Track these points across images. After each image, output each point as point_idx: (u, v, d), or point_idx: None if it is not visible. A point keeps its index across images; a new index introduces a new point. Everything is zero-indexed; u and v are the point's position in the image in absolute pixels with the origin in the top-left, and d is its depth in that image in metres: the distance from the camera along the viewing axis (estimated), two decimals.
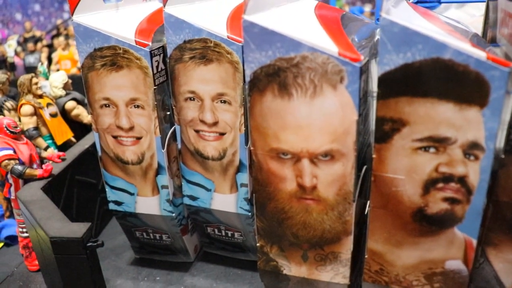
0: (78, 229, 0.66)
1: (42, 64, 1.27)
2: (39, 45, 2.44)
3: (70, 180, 0.90)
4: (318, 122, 0.52)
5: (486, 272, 0.58)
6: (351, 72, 0.49)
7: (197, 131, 0.72)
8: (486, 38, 0.76)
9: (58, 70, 1.35)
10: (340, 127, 0.52)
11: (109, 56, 0.70)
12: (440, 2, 0.82)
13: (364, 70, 0.51)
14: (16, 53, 2.57)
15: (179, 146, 0.75)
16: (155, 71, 0.70)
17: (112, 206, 0.81)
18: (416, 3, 0.82)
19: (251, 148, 0.57)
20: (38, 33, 2.86)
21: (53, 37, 2.73)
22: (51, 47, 2.45)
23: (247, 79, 0.54)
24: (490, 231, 0.56)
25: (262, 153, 0.57)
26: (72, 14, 0.69)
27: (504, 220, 0.54)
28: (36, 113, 0.97)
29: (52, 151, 0.96)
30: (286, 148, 0.55)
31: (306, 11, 0.64)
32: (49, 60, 2.26)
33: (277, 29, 0.50)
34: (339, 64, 0.49)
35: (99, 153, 0.78)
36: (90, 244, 0.65)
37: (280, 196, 0.58)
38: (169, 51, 0.69)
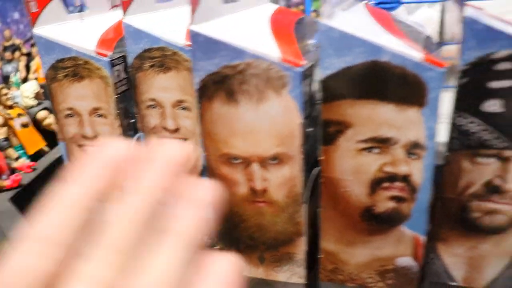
0: None
1: (19, 73, 1.28)
2: (17, 53, 2.44)
3: (40, 189, 0.90)
4: (265, 127, 0.54)
5: (437, 266, 0.59)
6: (293, 77, 0.51)
7: (160, 138, 0.74)
8: (443, 38, 0.78)
9: (36, 78, 1.36)
10: (285, 131, 0.53)
11: (70, 67, 0.71)
12: (399, 3, 0.83)
13: (307, 75, 0.52)
14: None
15: None
16: (116, 80, 0.71)
17: None
18: (378, 4, 0.83)
19: (204, 154, 0.58)
20: (17, 41, 2.85)
21: (32, 45, 2.73)
22: (29, 56, 2.45)
23: (196, 87, 0.55)
24: (439, 227, 0.57)
25: (214, 158, 0.58)
26: (33, 26, 0.71)
27: (451, 216, 0.56)
28: (6, 124, 0.99)
29: (23, 161, 0.97)
30: (236, 153, 0.56)
31: (261, 17, 0.66)
32: (28, 68, 2.26)
33: (222, 38, 0.52)
34: (281, 70, 0.51)
35: (66, 163, 0.79)
36: None
37: (234, 200, 0.59)
38: (129, 60, 0.71)
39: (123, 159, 0.19)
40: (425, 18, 1.07)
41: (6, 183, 0.84)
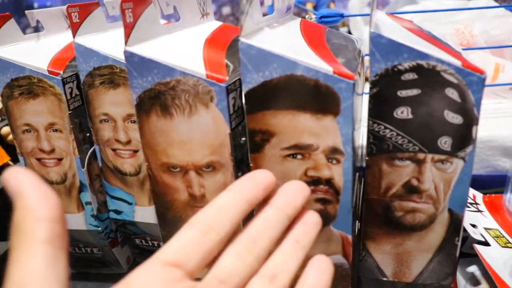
0: (1, 247, 0.71)
1: None
2: None
3: (2, 202, 0.94)
4: (198, 138, 0.58)
5: (369, 263, 0.63)
6: (218, 92, 0.55)
7: (114, 150, 0.77)
8: None
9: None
10: (216, 140, 0.57)
11: (25, 85, 0.75)
12: (342, 16, 0.88)
13: (232, 89, 0.57)
14: None
15: (100, 164, 0.80)
16: (68, 97, 0.75)
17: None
18: (320, 18, 0.88)
19: (146, 163, 0.62)
20: None
21: None
22: None
23: (134, 102, 0.59)
24: (367, 226, 0.62)
25: (155, 168, 0.62)
26: None
27: (377, 216, 0.60)
28: None
29: None
30: (174, 162, 0.60)
31: (198, 36, 0.70)
32: None
33: (154, 57, 0.56)
34: (207, 85, 0.55)
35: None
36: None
37: (176, 206, 0.63)
38: (82, 78, 0.75)
39: (268, 183, 0.28)
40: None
41: None
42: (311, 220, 0.30)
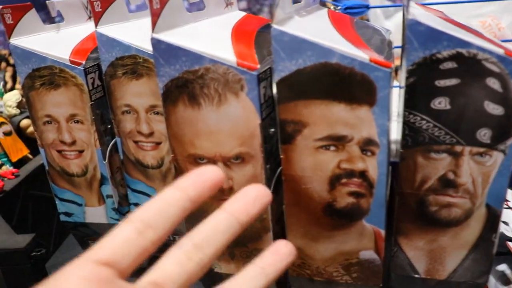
0: (22, 240, 0.70)
1: (6, 83, 1.31)
2: (3, 64, 2.47)
3: (24, 195, 0.93)
4: (226, 128, 0.56)
5: (401, 259, 0.61)
6: (249, 80, 0.53)
7: (135, 142, 0.76)
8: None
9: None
10: (246, 131, 0.55)
11: (46, 75, 0.73)
12: (368, 8, 0.86)
13: (263, 78, 0.55)
14: None
15: (121, 157, 0.79)
16: (90, 88, 0.74)
17: (63, 218, 0.84)
18: (345, 9, 0.85)
19: (172, 155, 0.60)
20: (3, 52, 2.87)
21: None
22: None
23: (161, 91, 0.57)
24: (400, 221, 0.59)
25: (181, 159, 0.60)
26: (9, 37, 0.73)
27: (410, 210, 0.58)
28: None
29: (6, 169, 1.00)
30: (201, 153, 0.58)
31: (223, 25, 0.68)
32: (14, 79, 2.29)
33: (182, 44, 0.54)
34: (238, 74, 0.53)
35: (46, 167, 0.81)
36: (34, 254, 0.69)
37: None
38: (104, 68, 0.73)
39: (215, 181, 0.26)
40: (400, 23, 1.10)
41: None
42: (283, 250, 0.29)
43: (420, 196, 0.57)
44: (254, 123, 0.55)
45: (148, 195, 0.80)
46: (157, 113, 0.73)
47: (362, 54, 0.50)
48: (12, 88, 1.23)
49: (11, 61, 2.30)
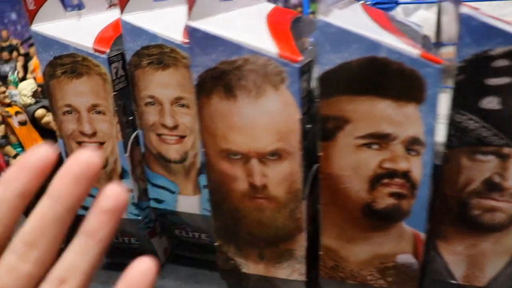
0: None
1: (18, 72, 1.28)
2: (14, 53, 2.45)
3: (40, 188, 0.90)
4: (263, 123, 0.53)
5: (438, 264, 0.59)
6: (291, 73, 0.50)
7: (158, 135, 0.73)
8: (440, 39, 0.78)
9: (34, 78, 1.36)
10: (284, 126, 0.53)
11: (68, 63, 0.71)
12: (397, 3, 0.83)
13: (304, 71, 0.52)
14: None
15: (143, 150, 0.76)
16: (114, 77, 0.71)
17: (80, 211, 0.81)
18: (375, 4, 0.83)
19: (202, 149, 0.58)
20: (15, 42, 2.86)
21: (30, 46, 2.74)
22: (27, 56, 2.46)
23: (194, 82, 0.55)
24: (439, 224, 0.57)
25: (213, 154, 0.58)
26: (31, 24, 0.70)
27: (451, 213, 0.55)
28: (4, 121, 0.98)
29: None
30: (235, 148, 0.56)
31: (257, 15, 0.66)
32: (25, 68, 2.27)
33: (219, 33, 0.52)
34: (279, 65, 0.50)
35: (64, 159, 0.79)
36: None
37: (234, 196, 0.59)
38: (128, 58, 0.70)
39: (43, 164, 0.23)
40: (422, 20, 1.07)
41: None
42: (108, 206, 0.25)
43: (462, 199, 0.54)
44: (293, 118, 0.52)
45: (169, 190, 0.77)
46: (183, 105, 0.70)
47: (411, 49, 0.47)
48: (24, 78, 1.20)
49: (22, 51, 2.27)
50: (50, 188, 0.24)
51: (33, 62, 2.27)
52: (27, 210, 0.24)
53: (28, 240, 0.22)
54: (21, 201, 0.23)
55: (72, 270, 0.23)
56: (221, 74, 0.53)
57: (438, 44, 0.73)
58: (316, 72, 0.51)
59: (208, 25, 0.53)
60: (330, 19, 0.48)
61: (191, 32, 0.52)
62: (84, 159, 0.24)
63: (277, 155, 0.55)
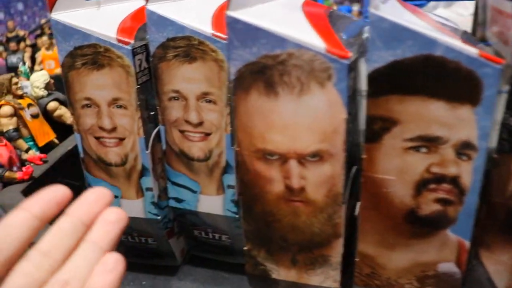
0: None
1: (24, 64, 1.24)
2: (22, 44, 2.40)
3: (52, 182, 0.87)
4: (306, 122, 0.50)
5: (479, 274, 0.56)
6: (339, 70, 0.47)
7: (182, 132, 0.70)
8: (476, 37, 0.75)
9: (42, 70, 1.32)
10: (328, 126, 0.50)
11: (89, 54, 0.67)
12: (428, 0, 0.80)
13: (352, 68, 0.49)
14: None
15: (164, 147, 0.73)
16: (137, 70, 0.67)
17: None
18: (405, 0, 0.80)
19: (237, 149, 0.55)
20: (21, 33, 2.81)
21: (37, 37, 2.70)
22: (34, 47, 2.41)
23: (232, 77, 0.52)
24: (484, 232, 0.54)
25: (248, 154, 0.55)
26: (51, 11, 0.67)
27: (497, 221, 0.53)
28: (16, 114, 0.95)
29: (33, 153, 0.93)
30: (273, 148, 0.53)
31: (293, 7, 0.62)
32: (33, 60, 2.22)
33: (262, 25, 0.48)
34: (326, 61, 0.47)
35: (81, 155, 0.75)
36: None
37: (268, 198, 0.56)
38: (152, 50, 0.67)
39: (60, 199, 0.28)
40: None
41: (18, 175, 0.81)
42: (112, 218, 0.29)
43: (510, 207, 0.52)
44: (338, 118, 0.49)
45: (190, 189, 0.74)
46: (209, 101, 0.67)
47: (470, 48, 0.44)
48: (31, 69, 1.16)
49: (28, 42, 2.23)
50: (68, 210, 0.28)
51: (41, 54, 2.22)
52: None
53: (44, 250, 0.26)
54: (39, 224, 0.27)
55: (76, 275, 0.27)
56: (262, 69, 0.50)
57: (483, 43, 0.70)
58: (365, 69, 0.48)
59: (249, 16, 0.50)
60: (384, 13, 0.45)
61: (230, 23, 0.49)
62: (100, 190, 0.29)
63: (318, 156, 0.51)
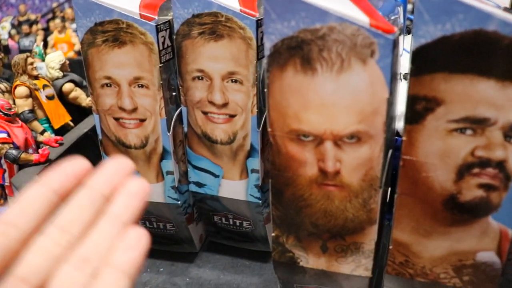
0: None
1: (37, 45, 1.22)
2: (34, 27, 2.36)
3: None
4: (345, 101, 0.48)
5: None
6: (383, 45, 0.44)
7: (205, 113, 0.68)
8: None
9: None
10: (368, 106, 0.47)
11: (111, 31, 0.65)
12: None
13: (396, 44, 0.46)
14: (11, 36, 2.48)
15: (186, 129, 0.70)
16: (161, 48, 0.65)
17: None
18: None
19: (269, 129, 0.52)
20: (33, 16, 2.77)
21: (48, 21, 2.67)
22: (47, 30, 2.39)
23: (266, 52, 0.49)
24: None
25: (281, 135, 0.52)
26: None
27: None
28: (31, 95, 0.92)
29: (48, 135, 0.91)
30: (308, 129, 0.50)
31: None
32: (45, 43, 2.19)
33: None
34: (370, 36, 0.44)
35: (100, 137, 0.73)
36: None
37: (299, 182, 0.53)
38: (176, 26, 0.65)
39: (79, 172, 0.25)
40: None
41: (34, 157, 0.78)
42: (133, 189, 0.26)
43: None
44: (380, 97, 0.46)
45: (212, 173, 0.72)
46: (235, 81, 0.64)
47: None
48: (44, 53, 1.14)
49: (40, 25, 2.20)
50: (87, 182, 0.26)
51: (53, 37, 2.20)
52: None
53: (61, 225, 0.25)
54: (57, 198, 0.25)
55: (96, 251, 0.25)
56: (299, 44, 0.47)
57: None
58: (410, 46, 0.45)
59: None
60: None
61: None
62: (120, 161, 0.26)
63: (356, 138, 0.49)
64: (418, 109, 0.46)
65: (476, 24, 0.42)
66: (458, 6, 0.42)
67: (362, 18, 0.45)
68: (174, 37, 0.65)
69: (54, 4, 3.59)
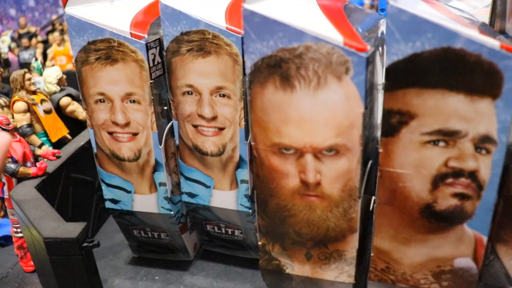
0: (73, 229, 0.64)
1: (36, 59, 1.25)
2: (33, 40, 2.40)
3: (65, 178, 0.87)
4: (322, 116, 0.50)
5: (496, 269, 0.56)
6: (357, 63, 0.47)
7: (195, 126, 0.70)
8: (494, 29, 0.74)
9: (53, 66, 1.33)
10: (345, 120, 0.49)
11: (103, 49, 0.67)
12: None
13: (370, 61, 0.49)
14: (10, 49, 2.52)
15: (177, 142, 0.73)
16: (151, 64, 0.67)
17: (108, 205, 0.79)
18: None
19: (252, 143, 0.55)
20: (33, 29, 2.81)
21: (48, 33, 2.71)
22: (46, 43, 2.43)
23: (248, 71, 0.51)
24: (501, 227, 0.54)
25: (263, 148, 0.54)
26: (65, 6, 0.67)
27: None
28: (29, 109, 0.95)
29: (46, 149, 0.93)
30: (289, 143, 0.53)
31: (308, 0, 0.62)
32: (44, 56, 2.22)
33: (279, 18, 0.48)
34: (344, 55, 0.47)
35: (95, 150, 0.76)
36: (86, 244, 0.63)
37: (283, 193, 0.56)
38: (165, 44, 0.67)
39: None
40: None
41: (32, 171, 0.81)
42: None
43: None
44: (356, 112, 0.49)
45: (203, 184, 0.74)
46: (223, 95, 0.67)
47: (491, 40, 0.44)
48: (43, 65, 1.16)
49: (40, 38, 2.23)
50: None
51: (52, 50, 2.23)
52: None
53: None
54: None
55: None
56: (278, 62, 0.49)
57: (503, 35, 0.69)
58: (380, 64, 0.47)
59: (265, 9, 0.49)
60: (403, 6, 0.45)
61: (247, 16, 0.49)
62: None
63: (334, 150, 0.51)
64: (393, 123, 0.49)
65: (444, 42, 0.44)
66: (426, 25, 0.44)
67: (336, 37, 0.47)
68: (164, 53, 0.68)
69: (54, 17, 3.63)
